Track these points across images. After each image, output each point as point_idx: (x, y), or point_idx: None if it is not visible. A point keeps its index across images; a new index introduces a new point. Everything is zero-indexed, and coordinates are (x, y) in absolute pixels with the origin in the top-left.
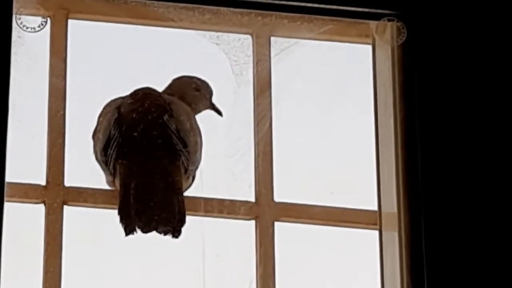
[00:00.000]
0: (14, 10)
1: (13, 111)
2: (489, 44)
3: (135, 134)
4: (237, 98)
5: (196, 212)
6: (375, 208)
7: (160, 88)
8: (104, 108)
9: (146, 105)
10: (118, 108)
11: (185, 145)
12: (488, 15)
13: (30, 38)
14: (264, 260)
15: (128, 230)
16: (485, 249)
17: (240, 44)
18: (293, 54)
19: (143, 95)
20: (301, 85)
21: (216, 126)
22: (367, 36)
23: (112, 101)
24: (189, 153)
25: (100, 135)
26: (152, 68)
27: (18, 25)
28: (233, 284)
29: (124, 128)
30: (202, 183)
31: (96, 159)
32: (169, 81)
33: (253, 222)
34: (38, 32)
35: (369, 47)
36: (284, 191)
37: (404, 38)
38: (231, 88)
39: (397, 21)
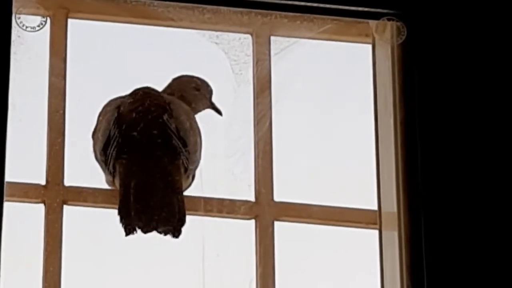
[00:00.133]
0: (13, 10)
1: (13, 111)
2: (489, 43)
3: (135, 133)
4: (237, 98)
5: (196, 211)
6: (375, 207)
7: (159, 88)
8: (103, 108)
9: (146, 104)
10: (118, 107)
11: (185, 145)
12: (488, 14)
13: (29, 38)
14: (264, 260)
15: (128, 230)
16: (485, 249)
17: (240, 44)
18: (293, 53)
19: (143, 95)
20: (301, 85)
21: (216, 126)
22: (367, 35)
23: (111, 100)
24: (189, 152)
25: (99, 135)
26: (151, 68)
27: (18, 24)
28: (233, 284)
29: (124, 128)
30: (202, 182)
31: (96, 158)
32: (168, 81)
33: (253, 221)
34: (38, 32)
35: (369, 47)
36: (284, 191)
37: (404, 38)
38: (231, 88)
39: (397, 21)
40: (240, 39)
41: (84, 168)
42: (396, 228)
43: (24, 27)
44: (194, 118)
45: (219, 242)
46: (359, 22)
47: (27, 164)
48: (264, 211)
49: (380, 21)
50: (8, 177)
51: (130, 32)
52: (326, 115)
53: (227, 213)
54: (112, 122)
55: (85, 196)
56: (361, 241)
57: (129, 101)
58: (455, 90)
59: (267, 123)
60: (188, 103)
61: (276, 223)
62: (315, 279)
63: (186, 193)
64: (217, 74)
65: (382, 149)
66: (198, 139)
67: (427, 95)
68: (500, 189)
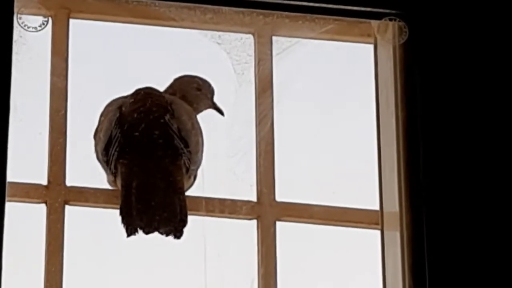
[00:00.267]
0: (15, 10)
1: (15, 111)
2: (490, 43)
3: (137, 133)
4: (238, 98)
5: (197, 211)
6: (377, 207)
7: (161, 88)
8: (105, 108)
9: (147, 104)
10: (120, 107)
11: (187, 145)
12: (489, 14)
13: (31, 38)
14: (265, 260)
15: (130, 230)
16: (487, 248)
17: (241, 44)
18: (295, 53)
19: (145, 95)
20: (302, 85)
21: (217, 126)
22: (369, 35)
23: (113, 100)
24: (190, 152)
25: (101, 135)
26: (153, 68)
27: (20, 24)
28: (235, 284)
29: (125, 128)
30: (203, 182)
31: (98, 158)
32: (170, 81)
33: (254, 221)
34: (40, 32)
35: (371, 47)
36: (285, 191)
37: (405, 38)
38: (232, 88)
39: (399, 21)
40: (242, 39)
41: (86, 168)
42: (398, 228)
43: (26, 27)
44: (196, 118)
45: (220, 242)
46: (361, 22)
47: (28, 164)
48: (266, 211)
49: (382, 21)
50: (10, 177)
51: (132, 32)
52: (328, 115)
53: (229, 213)
54: (113, 122)
55: (86, 196)
56: (363, 241)
57: (130, 101)
58: (457, 90)
59: (269, 123)
60: (190, 103)
61: (278, 223)
62: (317, 279)
63: (187, 193)
64: (219, 74)
65: (384, 149)
66: (200, 139)
67: (429, 95)
68: (502, 189)
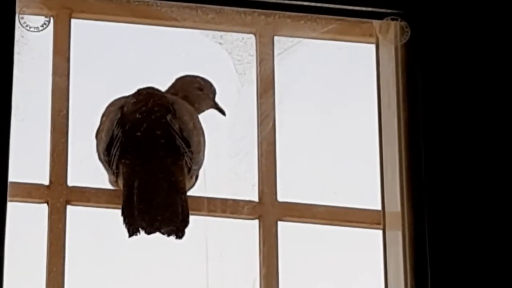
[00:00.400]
0: (17, 10)
1: (16, 111)
2: (492, 43)
3: (138, 134)
4: (240, 98)
5: (199, 211)
6: (379, 207)
7: (163, 88)
8: (107, 108)
9: (149, 104)
10: (121, 107)
11: (188, 145)
12: (491, 14)
13: (33, 38)
14: (267, 260)
15: (132, 230)
16: (489, 248)
17: (243, 44)
18: (296, 53)
19: (146, 95)
20: (304, 85)
21: (219, 126)
22: (370, 35)
23: (115, 100)
24: (192, 152)
25: (103, 135)
26: (155, 68)
27: (21, 24)
28: (236, 284)
29: (127, 128)
30: (205, 182)
31: (99, 158)
32: (172, 81)
33: (256, 221)
34: (41, 32)
35: (373, 47)
36: (287, 191)
37: (407, 38)
38: (234, 88)
39: (401, 21)
40: (243, 39)
41: (88, 168)
42: (400, 228)
43: (28, 27)
44: (198, 118)
45: (222, 242)
46: (363, 22)
47: (30, 164)
48: (268, 211)
49: (384, 21)
50: (12, 177)
51: (133, 32)
52: (330, 115)
53: (231, 213)
54: (115, 122)
55: (88, 196)
56: (365, 241)
57: (132, 101)
58: (459, 90)
59: (271, 123)
60: (192, 103)
61: (280, 223)
62: (319, 279)
63: (189, 193)
64: (221, 74)
65: (385, 149)
66: (202, 139)
67: (430, 95)
68: (504, 189)
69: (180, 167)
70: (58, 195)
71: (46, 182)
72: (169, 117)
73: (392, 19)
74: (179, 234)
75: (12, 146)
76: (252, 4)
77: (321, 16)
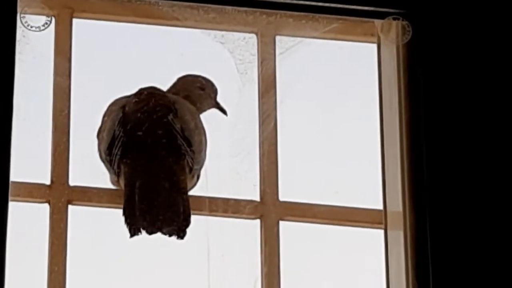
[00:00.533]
0: (18, 9)
1: (18, 110)
2: (494, 42)
3: (140, 133)
4: (241, 97)
5: (200, 211)
6: (380, 207)
7: (164, 87)
8: (108, 107)
9: (150, 104)
10: (123, 107)
11: (190, 145)
12: (493, 14)
13: (34, 37)
14: (269, 259)
15: (133, 230)
16: (491, 247)
17: (245, 43)
18: (298, 53)
19: (148, 95)
20: (306, 84)
21: (220, 125)
22: (372, 35)
23: (116, 100)
24: (193, 152)
25: (104, 135)
26: (156, 67)
27: (23, 24)
28: (238, 283)
29: (128, 128)
30: (206, 182)
31: (101, 158)
32: (173, 80)
33: (258, 221)
34: (43, 31)
35: (374, 46)
36: (289, 190)
37: (409, 37)
38: (235, 87)
39: (403, 20)
40: (245, 38)
41: (89, 168)
42: (402, 227)
43: (29, 27)
44: (199, 118)
45: (224, 242)
46: (365, 22)
47: (31, 163)
48: (269, 210)
49: (386, 21)
50: (13, 177)
51: (135, 32)
52: (331, 114)
53: (232, 213)
54: (117, 122)
55: (90, 196)
56: (366, 241)
57: (134, 100)
58: (461, 89)
59: (272, 123)
60: (193, 103)
61: (281, 223)
62: (320, 279)
63: (191, 193)
64: (222, 73)
65: (387, 148)
66: (203, 139)
67: (432, 94)
68: (506, 189)
69: (181, 167)
70: (60, 194)
71: (47, 181)
72: (170, 116)
73: (394, 19)
74: (181, 234)
75: (14, 145)
76: (253, 3)
77: (322, 15)
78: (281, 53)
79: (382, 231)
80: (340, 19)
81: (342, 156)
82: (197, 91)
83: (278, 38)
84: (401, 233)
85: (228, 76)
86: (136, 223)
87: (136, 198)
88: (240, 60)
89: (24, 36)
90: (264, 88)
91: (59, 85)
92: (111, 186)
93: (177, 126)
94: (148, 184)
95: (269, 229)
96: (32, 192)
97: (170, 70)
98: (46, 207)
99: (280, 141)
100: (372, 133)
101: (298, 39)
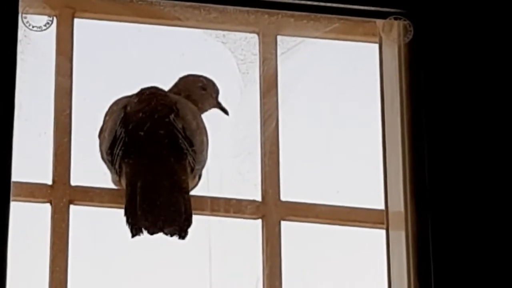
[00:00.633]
0: (20, 9)
1: (19, 110)
2: (496, 42)
3: (141, 133)
4: (243, 97)
5: (202, 211)
6: (382, 207)
7: (166, 87)
8: (110, 107)
9: (152, 104)
10: (124, 107)
11: (191, 144)
12: (494, 13)
13: (36, 37)
14: (270, 259)
15: (135, 230)
16: (492, 247)
17: (246, 43)
18: (300, 52)
19: (149, 95)
20: (307, 84)
21: (222, 125)
22: (373, 34)
23: (118, 100)
24: (195, 152)
25: (106, 134)
26: (158, 67)
27: (24, 24)
28: (240, 283)
29: (130, 128)
30: (208, 182)
31: (102, 158)
32: (175, 80)
33: (259, 221)
34: (44, 31)
35: (376, 46)
36: (290, 190)
37: (411, 37)
38: (237, 87)
39: (404, 20)
40: (246, 38)
41: (91, 168)
42: (403, 227)
43: (31, 27)
44: (201, 118)
45: (225, 242)
46: (366, 21)
47: (33, 163)
48: (271, 210)
49: (387, 20)
50: (15, 177)
51: (136, 32)
52: (333, 114)
53: (234, 212)
54: (118, 122)
55: (91, 196)
56: (368, 241)
57: (135, 100)
58: (462, 89)
59: (274, 123)
60: (195, 103)
61: (283, 223)
62: (322, 279)
63: (192, 192)
64: (224, 73)
65: (389, 148)
66: (205, 139)
67: (434, 94)
68: (507, 189)
69: (183, 167)
70: (61, 194)
71: (49, 181)
72: (172, 116)
73: (395, 18)
74: (182, 234)
75: (15, 145)
76: (255, 3)
77: (324, 15)
78: (282, 53)
79: (383, 231)
80: (342, 19)
81: (343, 156)
82: (198, 91)
83: (279, 38)
84: (403, 233)
85: (229, 76)
86: (138, 223)
87: (138, 198)
88: (242, 60)
89: (25, 36)
90: (266, 88)
91: (61, 85)
92: (112, 186)
93: (179, 126)
94: (149, 184)
95: (270, 229)
96: (33, 192)
97: (171, 70)
98: (47, 207)
99: (281, 141)
100: (373, 132)
101: (300, 39)
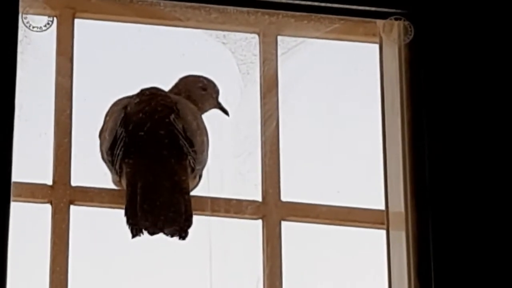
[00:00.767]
0: (20, 10)
1: (20, 111)
2: (496, 43)
3: (142, 133)
4: (243, 98)
5: (203, 211)
6: (382, 207)
7: (166, 87)
8: (110, 108)
9: (152, 104)
10: (125, 107)
11: (192, 145)
12: (495, 14)
13: (36, 38)
14: (271, 260)
15: (135, 230)
16: (493, 247)
17: (246, 43)
18: (300, 53)
19: (150, 95)
20: (307, 84)
21: (222, 126)
22: (374, 35)
23: (118, 100)
24: (195, 152)
25: (106, 135)
26: (158, 67)
27: (25, 24)
28: (240, 284)
29: (130, 128)
30: (208, 182)
31: (103, 158)
32: (175, 80)
33: (260, 221)
34: (45, 32)
35: (376, 46)
36: (291, 191)
37: (411, 37)
38: (237, 87)
39: (404, 20)
40: (247, 38)
41: (91, 168)
42: (404, 228)
43: (31, 27)
44: (201, 118)
45: (226, 242)
46: (366, 22)
47: (33, 164)
48: (271, 211)
49: (388, 21)
50: (15, 177)
51: (137, 32)
52: (333, 114)
53: (234, 213)
54: (119, 122)
55: (91, 196)
56: (368, 241)
57: (136, 101)
58: (463, 89)
59: (274, 123)
60: (195, 103)
61: (283, 223)
62: (322, 279)
63: (193, 193)
64: (224, 74)
65: (389, 148)
66: (205, 139)
67: (434, 94)
68: (508, 189)
69: (183, 167)
70: (62, 195)
71: (49, 182)
72: (172, 117)
73: (396, 19)
74: (182, 234)
75: (16, 146)
76: (255, 3)
77: (324, 15)
78: (283, 53)
79: (384, 232)
80: (342, 19)
81: (344, 156)
82: (199, 92)
83: (280, 38)
84: (403, 234)
85: (230, 77)
86: (138, 223)
87: (138, 199)
88: (242, 60)
89: (26, 37)
90: (266, 88)
91: (61, 85)
92: (113, 187)
93: (179, 127)
94: (150, 185)
95: (271, 229)
96: (34, 192)
97: (171, 71)
98: (48, 207)
99: (282, 141)
100: (374, 133)
101: (300, 39)
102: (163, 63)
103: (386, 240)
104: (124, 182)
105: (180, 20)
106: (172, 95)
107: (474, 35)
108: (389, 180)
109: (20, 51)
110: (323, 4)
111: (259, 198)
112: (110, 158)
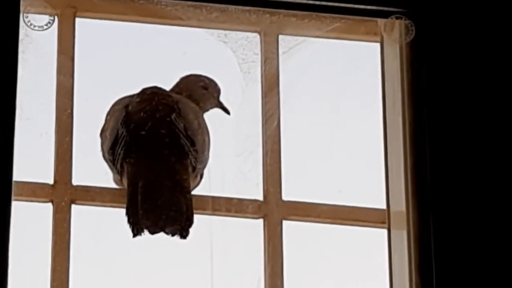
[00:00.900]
0: (21, 9)
1: (21, 110)
2: (497, 42)
3: (143, 133)
4: (244, 97)
5: (204, 211)
6: (384, 206)
7: (167, 87)
8: (112, 107)
9: (153, 104)
10: (126, 107)
11: (193, 144)
12: (496, 13)
13: (37, 37)
14: (272, 259)
15: (136, 230)
16: (494, 247)
17: (248, 42)
18: (301, 52)
19: (151, 94)
20: (309, 83)
21: (223, 125)
22: (375, 34)
23: (120, 99)
24: (197, 152)
25: (107, 134)
26: (159, 67)
27: (26, 23)
28: (241, 283)
29: (131, 127)
30: (210, 181)
31: (104, 157)
32: (176, 80)
33: (261, 220)
34: (46, 31)
35: (377, 45)
36: (292, 190)
37: (412, 36)
38: (238, 87)
39: (405, 19)
40: (248, 37)
41: (92, 167)
42: (405, 227)
43: (32, 26)
44: (202, 117)
45: (227, 241)
46: (368, 21)
47: (35, 163)
48: (273, 210)
49: (389, 20)
50: (16, 177)
51: (138, 31)
52: (334, 114)
53: (235, 212)
54: (120, 121)
55: (93, 195)
56: (370, 240)
57: (137, 100)
58: (464, 88)
59: (275, 122)
60: (196, 102)
61: (285, 222)
62: (323, 278)
63: (194, 192)
64: (225, 73)
65: (390, 148)
66: (206, 138)
67: (435, 93)
68: (508, 188)
69: (184, 166)
70: (63, 194)
71: (50, 181)
72: (173, 116)
73: (397, 18)
74: (184, 234)
75: (17, 145)
76: (256, 2)
77: (325, 14)
78: (284, 52)
79: (385, 231)
80: (343, 18)
81: (345, 155)
82: (200, 91)
83: (281, 37)
84: (404, 233)
85: (231, 76)
86: (139, 222)
87: (139, 198)
88: (243, 59)
89: (27, 36)
90: (267, 87)
91: (62, 84)
92: (114, 186)
93: (180, 126)
94: (151, 184)
95: (272, 229)
96: (35, 191)
97: (173, 70)
98: (49, 207)
99: (283, 140)
100: (375, 132)
101: (301, 38)
102: (164, 62)
103: (388, 239)
104: (125, 181)
105: (181, 19)
106: (173, 94)
107: (475, 34)
108: (390, 179)
109: (21, 50)
110: (324, 3)
111: (260, 197)
112: (111, 157)
